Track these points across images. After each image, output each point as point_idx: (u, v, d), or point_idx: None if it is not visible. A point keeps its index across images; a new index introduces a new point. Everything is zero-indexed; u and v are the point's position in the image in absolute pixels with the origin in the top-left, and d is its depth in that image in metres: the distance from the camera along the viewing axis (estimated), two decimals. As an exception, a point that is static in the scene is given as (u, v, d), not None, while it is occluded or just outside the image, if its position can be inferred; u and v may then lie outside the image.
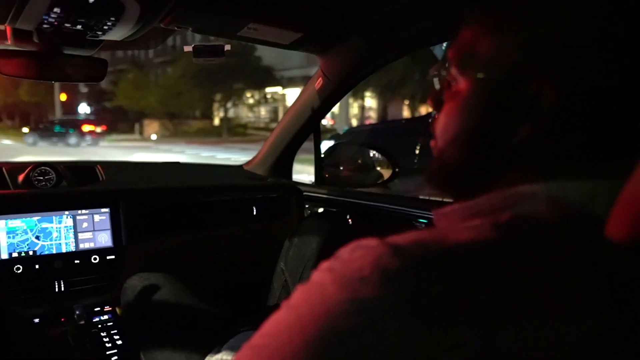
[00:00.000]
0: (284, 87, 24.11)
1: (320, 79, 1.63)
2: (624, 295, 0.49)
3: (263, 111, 26.70)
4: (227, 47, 1.43)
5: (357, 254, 0.49)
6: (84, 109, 25.59)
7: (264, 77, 21.46)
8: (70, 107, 25.49)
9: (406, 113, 22.60)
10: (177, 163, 1.99)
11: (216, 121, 25.62)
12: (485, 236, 0.49)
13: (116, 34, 1.16)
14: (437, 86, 0.67)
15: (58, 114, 23.84)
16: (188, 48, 1.46)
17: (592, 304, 0.48)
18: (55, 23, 1.07)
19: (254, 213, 1.74)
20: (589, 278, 0.50)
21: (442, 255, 0.46)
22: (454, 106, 0.60)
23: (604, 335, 0.48)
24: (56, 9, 1.00)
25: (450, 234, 0.51)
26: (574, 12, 0.53)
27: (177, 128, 25.24)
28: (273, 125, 25.39)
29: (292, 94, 25.32)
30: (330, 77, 1.58)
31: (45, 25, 1.08)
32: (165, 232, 1.52)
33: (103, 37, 1.18)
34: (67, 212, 1.40)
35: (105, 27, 1.10)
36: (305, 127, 1.82)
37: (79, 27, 1.11)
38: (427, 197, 1.68)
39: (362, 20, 1.27)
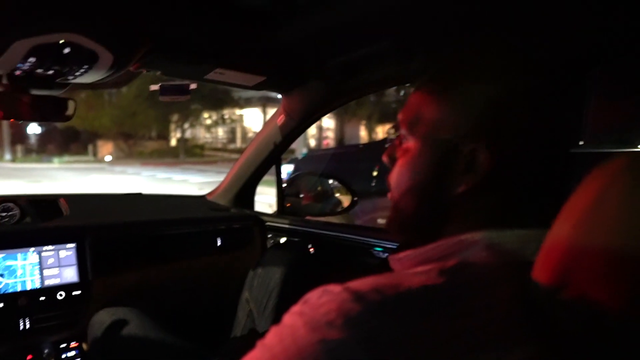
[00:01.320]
0: (241, 107, 24.05)
1: (282, 115, 1.70)
2: (548, 330, 0.58)
3: (220, 132, 26.48)
4: (193, 86, 1.49)
5: (324, 299, 0.56)
6: (33, 129, 24.70)
7: (222, 98, 21.37)
8: (18, 127, 24.54)
9: (363, 133, 22.92)
10: (140, 194, 2.00)
11: (173, 142, 25.22)
12: (434, 281, 0.56)
13: (86, 79, 1.20)
14: (390, 143, 0.76)
15: (6, 133, 22.91)
16: (154, 87, 1.51)
17: (523, 338, 0.57)
18: (28, 70, 1.10)
19: (218, 244, 1.78)
20: (521, 315, 0.58)
21: (396, 301, 0.53)
22: (405, 162, 0.69)
23: None
24: (31, 58, 1.03)
25: (404, 279, 0.58)
26: (501, 86, 0.63)
27: (132, 149, 24.70)
28: (231, 146, 25.19)
29: (249, 115, 25.27)
30: (291, 115, 1.66)
31: (17, 71, 1.11)
32: (131, 265, 1.55)
33: (73, 81, 1.22)
34: (32, 249, 1.40)
35: (77, 73, 1.14)
36: (267, 160, 1.88)
37: (50, 72, 1.14)
38: (383, 227, 1.74)
39: (321, 67, 1.36)
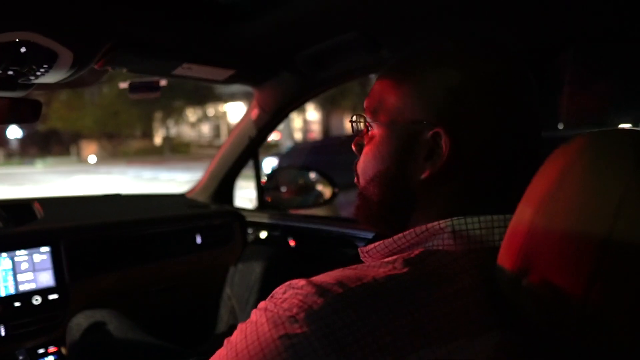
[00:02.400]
0: (225, 102, 23.91)
1: (255, 109, 1.69)
2: (513, 316, 0.58)
3: (205, 128, 26.33)
4: (163, 83, 1.47)
5: (287, 294, 0.56)
6: (14, 133, 24.31)
7: (205, 93, 21.19)
8: (-1, 131, 24.13)
9: (348, 124, 22.86)
10: (118, 195, 1.98)
11: (157, 140, 25.02)
12: (398, 271, 0.56)
13: (49, 79, 1.17)
14: (358, 130, 0.74)
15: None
16: (124, 85, 1.49)
17: (488, 325, 0.57)
18: (-14, 72, 1.07)
19: (198, 241, 1.76)
20: (486, 303, 0.58)
21: (360, 293, 0.53)
22: (370, 150, 0.68)
23: (503, 349, 0.56)
24: (-14, 60, 1.01)
25: (369, 271, 0.58)
26: (458, 72, 0.62)
27: (116, 149, 24.48)
28: (216, 142, 25.06)
29: (233, 110, 25.13)
30: (265, 108, 1.65)
31: (-26, 74, 1.09)
32: (109, 267, 1.53)
33: (36, 82, 1.19)
34: (4, 254, 1.37)
35: (38, 73, 1.12)
36: (244, 154, 1.87)
37: (10, 73, 1.12)
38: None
39: (290, 59, 1.35)
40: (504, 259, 0.57)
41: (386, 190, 0.67)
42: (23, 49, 0.98)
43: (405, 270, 0.56)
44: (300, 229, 1.78)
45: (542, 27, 1.00)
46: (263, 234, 1.89)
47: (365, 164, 0.69)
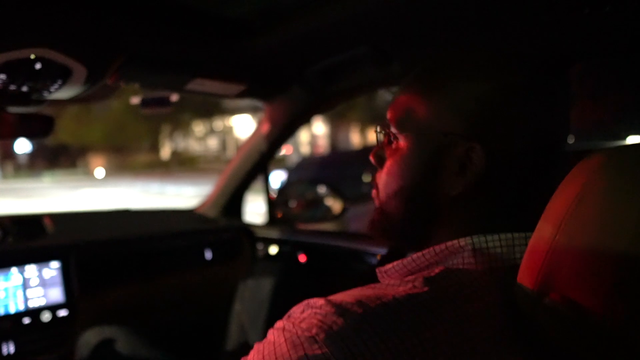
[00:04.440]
0: (232, 115, 24.01)
1: (266, 124, 1.69)
2: (534, 336, 0.56)
3: (212, 142, 26.43)
4: (174, 98, 1.48)
5: (306, 314, 0.54)
6: (22, 147, 24.49)
7: (212, 107, 21.29)
8: (7, 144, 24.33)
9: (355, 138, 22.93)
10: (127, 210, 1.98)
11: (164, 154, 25.12)
12: (419, 289, 0.55)
13: (63, 94, 1.18)
14: (379, 141, 0.72)
15: (-5, 152, 22.73)
16: (136, 100, 1.49)
17: (510, 346, 0.55)
18: (1, 87, 1.08)
19: (207, 257, 1.75)
20: (507, 322, 0.56)
21: (380, 313, 0.51)
22: (394, 162, 0.66)
23: None
24: (2, 75, 1.01)
25: (389, 290, 0.56)
26: (491, 85, 0.61)
27: (123, 162, 24.61)
28: (223, 156, 25.10)
29: (240, 124, 25.21)
30: (275, 122, 1.65)
31: (-10, 90, 1.09)
32: (119, 282, 1.52)
33: (49, 97, 1.20)
34: (14, 269, 1.37)
35: (52, 89, 1.12)
36: (254, 169, 1.86)
37: (24, 89, 1.12)
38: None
39: (301, 73, 1.35)
40: (524, 277, 0.56)
41: (410, 206, 0.65)
42: (38, 65, 0.99)
43: (425, 289, 0.55)
44: (311, 245, 1.77)
45: (553, 40, 1.00)
46: (273, 250, 1.87)
47: (388, 177, 0.67)
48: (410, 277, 0.58)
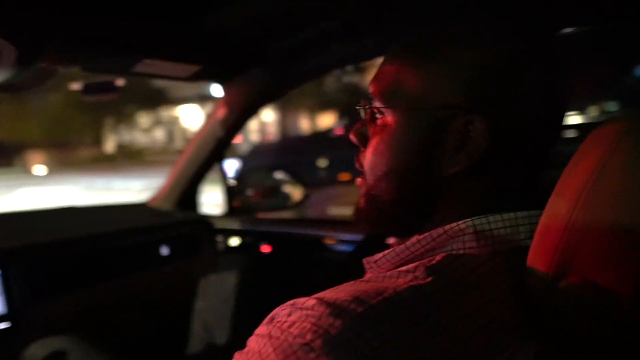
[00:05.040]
0: (178, 105, 23.44)
1: (222, 108, 1.58)
2: (551, 323, 0.52)
3: (159, 134, 25.71)
4: (120, 82, 1.35)
5: (295, 316, 0.47)
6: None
7: (157, 97, 20.69)
8: None
9: (305, 124, 22.91)
10: (73, 208, 1.83)
11: (109, 148, 24.23)
12: (421, 280, 0.49)
13: (-8, 79, 1.04)
14: (361, 118, 0.65)
15: None
16: (77, 86, 1.35)
17: (525, 335, 0.50)
18: None
19: (164, 253, 1.64)
20: (519, 310, 0.51)
21: (383, 310, 0.45)
22: (381, 140, 0.59)
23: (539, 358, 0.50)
24: None
25: (387, 283, 0.50)
26: (492, 52, 0.54)
27: (65, 158, 23.53)
28: (171, 147, 24.53)
29: (188, 114, 24.65)
30: (232, 106, 1.55)
31: None
32: (68, 288, 1.39)
33: (-24, 83, 1.06)
34: (-55, 281, 1.22)
35: (-24, 73, 0.99)
36: (209, 157, 1.76)
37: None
38: (336, 219, 1.68)
39: (263, 52, 1.25)
40: (536, 259, 0.52)
41: (404, 188, 0.58)
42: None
43: (428, 280, 0.49)
44: (274, 234, 1.70)
45: (536, 9, 0.95)
46: (234, 241, 1.78)
47: (375, 158, 0.59)
48: (409, 267, 0.52)
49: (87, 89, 1.36)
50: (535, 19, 0.93)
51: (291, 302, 0.51)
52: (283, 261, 1.59)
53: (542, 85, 0.55)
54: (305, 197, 2.05)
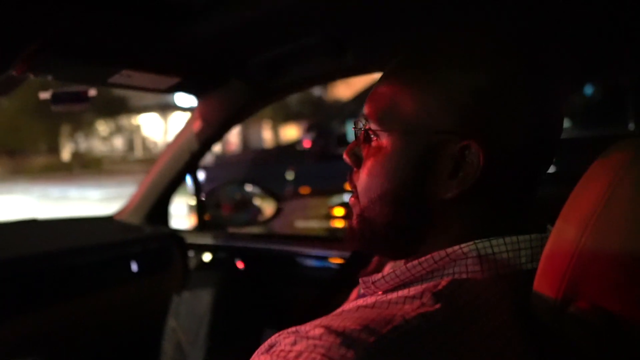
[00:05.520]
0: (139, 113, 22.96)
1: (198, 121, 1.55)
2: (557, 349, 0.51)
3: (118, 142, 25.06)
4: (93, 93, 1.30)
5: (301, 346, 0.45)
6: None
7: (117, 106, 20.17)
8: None
9: (268, 135, 22.85)
10: (34, 221, 1.74)
11: (65, 156, 23.41)
12: (429, 307, 0.48)
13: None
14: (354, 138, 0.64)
15: None
16: (45, 95, 1.29)
17: (531, 357, 0.50)
18: None
19: (133, 269, 1.58)
20: (525, 336, 0.51)
21: (395, 339, 0.44)
22: (377, 163, 0.58)
23: None
24: None
25: (394, 309, 0.49)
26: (488, 74, 0.54)
27: (18, 166, 22.58)
28: (131, 156, 23.96)
29: (148, 123, 24.19)
30: (208, 119, 1.51)
31: None
32: (31, 307, 1.31)
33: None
34: None
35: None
36: (182, 170, 1.71)
37: None
38: (313, 235, 1.66)
39: (243, 65, 1.23)
40: (543, 284, 0.51)
41: (398, 211, 0.57)
42: None
43: (437, 306, 0.48)
44: (248, 250, 1.66)
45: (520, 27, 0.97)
46: (206, 257, 1.74)
47: (370, 179, 0.59)
48: (412, 291, 0.52)
49: (57, 99, 1.29)
50: (524, 39, 0.95)
51: (293, 329, 0.50)
52: (259, 278, 1.56)
53: (537, 107, 0.55)
54: (278, 211, 2.02)
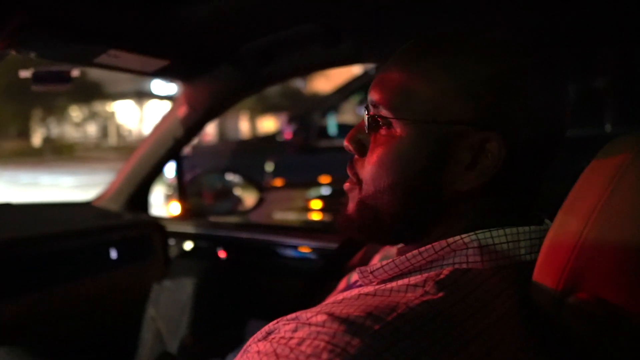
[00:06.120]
0: (114, 101, 22.53)
1: (183, 107, 1.51)
2: (557, 339, 0.52)
3: (91, 129, 24.53)
4: (76, 73, 1.25)
5: (303, 333, 0.44)
6: None
7: (92, 91, 19.70)
8: None
9: (245, 126, 22.71)
10: (8, 205, 1.68)
11: (36, 141, 22.81)
12: (433, 296, 0.48)
13: None
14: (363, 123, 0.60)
15: None
16: (25, 73, 1.24)
17: (536, 349, 0.51)
18: None
19: (113, 257, 1.54)
20: (525, 327, 0.51)
21: (400, 327, 0.44)
22: (387, 152, 0.56)
23: None
24: None
25: (397, 297, 0.49)
26: (508, 65, 0.53)
27: (-15, 150, 21.93)
28: (104, 143, 23.53)
29: (123, 110, 23.77)
30: (195, 105, 1.48)
31: None
32: (7, 295, 1.26)
33: None
34: None
35: None
36: (165, 156, 1.68)
37: None
38: (297, 226, 1.65)
39: (234, 51, 1.20)
40: (544, 275, 0.52)
41: (409, 202, 0.56)
42: None
43: (440, 295, 0.48)
44: (230, 239, 1.64)
45: (523, 26, 0.97)
46: (188, 246, 1.71)
47: (379, 169, 0.57)
48: (416, 280, 0.51)
49: (38, 78, 1.24)
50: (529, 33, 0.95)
51: (292, 316, 0.49)
52: (241, 267, 1.54)
53: (549, 100, 0.55)
54: (260, 202, 2.01)
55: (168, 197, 4.15)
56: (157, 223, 1.72)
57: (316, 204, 3.51)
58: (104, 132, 24.45)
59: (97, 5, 0.94)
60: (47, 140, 21.73)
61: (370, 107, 0.59)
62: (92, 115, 22.91)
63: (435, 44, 0.56)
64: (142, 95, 21.93)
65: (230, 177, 2.03)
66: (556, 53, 0.59)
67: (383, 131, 0.57)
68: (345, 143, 0.62)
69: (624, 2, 0.85)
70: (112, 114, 23.89)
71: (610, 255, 0.48)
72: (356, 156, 0.62)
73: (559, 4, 0.88)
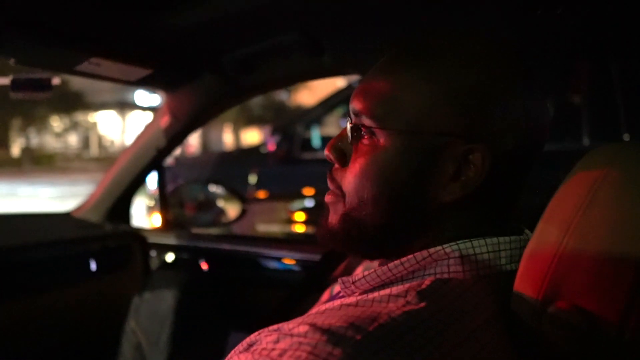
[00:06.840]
0: (95, 111, 22.31)
1: (166, 116, 1.50)
2: (536, 348, 0.52)
3: (72, 139, 24.22)
4: (56, 81, 1.24)
5: (284, 344, 0.44)
6: None
7: (73, 101, 19.48)
8: None
9: (228, 138, 22.65)
10: (-14, 214, 1.65)
11: (15, 151, 22.43)
12: (414, 306, 0.48)
13: None
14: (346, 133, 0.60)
15: None
16: (4, 80, 1.22)
17: (512, 356, 0.50)
18: None
19: (92, 268, 1.51)
20: (507, 333, 0.52)
21: (382, 337, 0.44)
22: (371, 162, 0.55)
23: None
24: None
25: (378, 307, 0.49)
26: (493, 75, 0.54)
27: (-38, 160, 21.49)
28: (85, 154, 23.24)
29: (105, 120, 23.55)
30: (178, 115, 1.47)
31: None
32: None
33: None
34: None
35: None
36: (147, 167, 1.66)
37: None
38: (279, 237, 1.64)
39: (217, 60, 1.20)
40: (524, 285, 0.52)
41: (393, 213, 0.55)
42: None
43: (422, 305, 0.48)
44: (213, 250, 1.62)
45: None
46: (169, 257, 1.69)
47: (362, 180, 0.56)
48: (397, 290, 0.51)
49: (17, 85, 1.22)
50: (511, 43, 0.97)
51: (274, 327, 0.48)
52: (224, 279, 1.52)
53: (531, 110, 0.55)
54: (243, 213, 1.99)
55: (150, 209, 4.11)
56: (138, 234, 1.70)
57: (299, 216, 3.50)
58: (85, 143, 24.17)
59: (79, 11, 0.94)
60: (27, 150, 21.39)
61: (353, 116, 0.59)
62: (74, 125, 22.64)
63: (420, 53, 0.56)
64: (125, 105, 21.79)
65: (213, 188, 2.01)
66: (534, 66, 0.59)
67: (365, 140, 0.56)
68: (326, 152, 0.61)
69: (603, 17, 0.87)
70: (94, 124, 23.66)
71: (589, 264, 0.48)
72: (336, 166, 0.61)
73: (537, 19, 0.89)
